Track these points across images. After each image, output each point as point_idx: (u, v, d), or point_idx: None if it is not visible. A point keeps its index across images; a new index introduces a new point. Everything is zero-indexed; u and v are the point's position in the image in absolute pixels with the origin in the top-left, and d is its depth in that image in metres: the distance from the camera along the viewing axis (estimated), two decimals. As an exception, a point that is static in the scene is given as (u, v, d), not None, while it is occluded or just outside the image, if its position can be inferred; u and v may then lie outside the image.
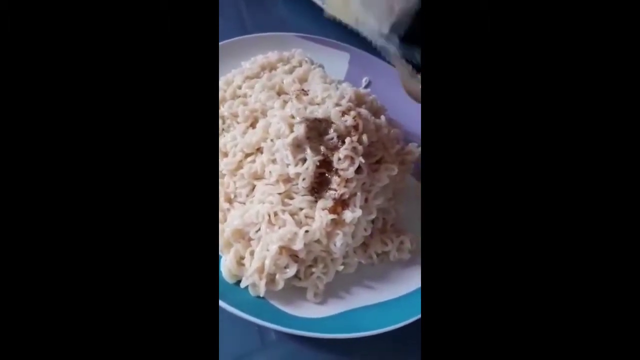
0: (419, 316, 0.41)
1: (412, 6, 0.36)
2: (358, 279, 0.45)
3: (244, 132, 0.47)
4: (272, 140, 0.44)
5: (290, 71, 0.53)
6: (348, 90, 0.47)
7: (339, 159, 0.42)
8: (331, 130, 0.43)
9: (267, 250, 0.40)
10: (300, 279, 0.42)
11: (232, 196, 0.45)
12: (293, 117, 0.43)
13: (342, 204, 0.42)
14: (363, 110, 0.45)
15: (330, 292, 0.43)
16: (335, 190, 0.42)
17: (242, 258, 0.42)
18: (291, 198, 0.43)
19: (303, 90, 0.48)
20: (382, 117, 0.49)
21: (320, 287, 0.42)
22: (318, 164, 0.42)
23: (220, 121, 0.49)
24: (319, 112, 0.43)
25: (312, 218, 0.42)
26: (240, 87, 0.51)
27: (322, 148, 0.43)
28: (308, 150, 0.42)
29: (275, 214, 0.41)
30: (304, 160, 0.42)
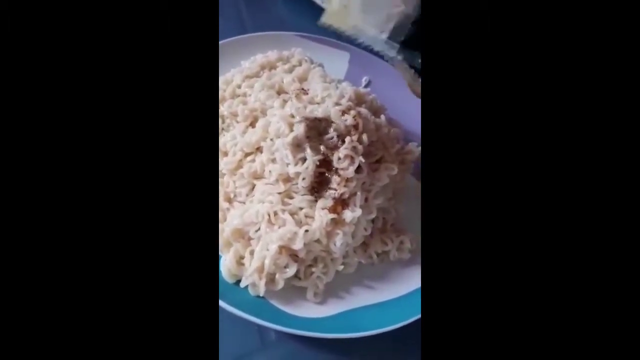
0: (419, 316, 0.41)
1: (412, 11, 0.36)
2: (358, 278, 0.45)
3: (244, 132, 0.47)
4: (271, 139, 0.44)
5: (290, 70, 0.53)
6: (348, 89, 0.47)
7: (339, 158, 0.42)
8: (331, 130, 0.43)
9: (267, 249, 0.40)
10: (300, 278, 0.42)
11: (232, 196, 0.45)
12: (293, 116, 0.43)
13: (342, 203, 0.42)
14: (363, 110, 0.45)
15: (330, 292, 0.43)
16: (335, 189, 0.42)
17: (242, 258, 0.42)
18: (291, 197, 0.43)
19: (303, 89, 0.48)
20: (382, 117, 0.49)
21: (320, 287, 0.42)
22: (318, 163, 0.42)
23: (219, 120, 0.49)
24: (318, 112, 0.43)
25: (312, 217, 0.42)
26: (239, 87, 0.51)
27: (322, 147, 0.43)
28: (308, 150, 0.42)
29: (275, 213, 0.41)
30: (304, 159, 0.42)
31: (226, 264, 0.41)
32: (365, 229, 0.44)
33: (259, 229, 0.42)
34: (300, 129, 0.42)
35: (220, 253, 0.42)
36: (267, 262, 0.40)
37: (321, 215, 0.41)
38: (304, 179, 0.42)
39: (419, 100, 0.46)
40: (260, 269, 0.40)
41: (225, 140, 0.47)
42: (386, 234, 0.46)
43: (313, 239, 0.41)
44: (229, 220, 0.43)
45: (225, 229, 0.42)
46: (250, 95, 0.50)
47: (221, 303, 0.38)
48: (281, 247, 0.40)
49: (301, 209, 0.42)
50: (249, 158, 0.46)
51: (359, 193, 0.42)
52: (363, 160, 0.42)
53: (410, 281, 0.45)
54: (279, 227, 0.41)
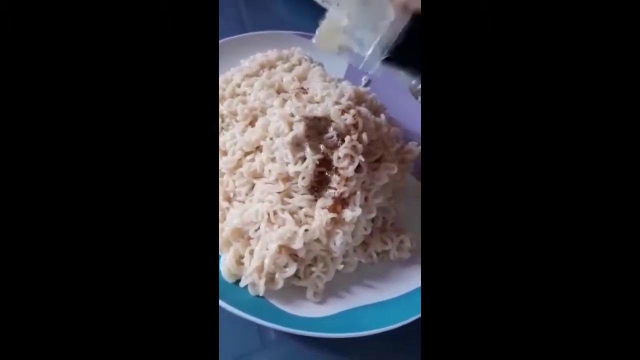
0: (419, 315, 0.41)
1: (397, 28, 0.37)
2: (358, 278, 0.45)
3: (243, 131, 0.47)
4: (271, 138, 0.44)
5: (290, 69, 0.53)
6: (348, 88, 0.47)
7: (339, 157, 0.42)
8: (331, 129, 0.43)
9: (267, 249, 0.40)
10: (299, 278, 0.42)
11: (232, 195, 0.45)
12: (292, 115, 0.43)
13: (341, 202, 0.42)
14: (363, 109, 0.45)
15: (330, 292, 0.43)
16: (335, 189, 0.42)
17: (242, 257, 0.42)
18: (291, 197, 0.43)
19: (302, 88, 0.48)
20: (382, 116, 0.49)
21: (320, 287, 0.42)
22: (317, 162, 0.42)
23: (219, 120, 0.49)
24: (318, 111, 0.43)
25: (312, 217, 0.41)
26: (239, 86, 0.51)
27: (322, 146, 0.43)
28: (307, 149, 0.42)
29: (275, 212, 0.41)
30: (304, 158, 0.42)
31: (226, 264, 0.41)
32: (365, 229, 0.44)
33: (259, 228, 0.42)
34: (299, 128, 0.42)
35: (219, 253, 0.42)
36: (266, 261, 0.40)
37: (321, 215, 0.41)
38: (303, 178, 0.42)
39: (419, 100, 0.47)
40: (260, 269, 0.40)
41: (224, 139, 0.47)
42: (386, 234, 0.46)
43: (313, 238, 0.41)
44: (229, 219, 0.43)
45: (225, 229, 0.42)
46: (249, 94, 0.50)
47: (221, 303, 0.38)
48: (281, 247, 0.40)
49: (301, 208, 0.42)
50: (248, 157, 0.46)
51: (358, 192, 0.42)
52: (363, 160, 0.42)
53: (410, 280, 0.45)
54: (279, 227, 0.41)
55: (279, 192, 0.42)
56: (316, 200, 0.42)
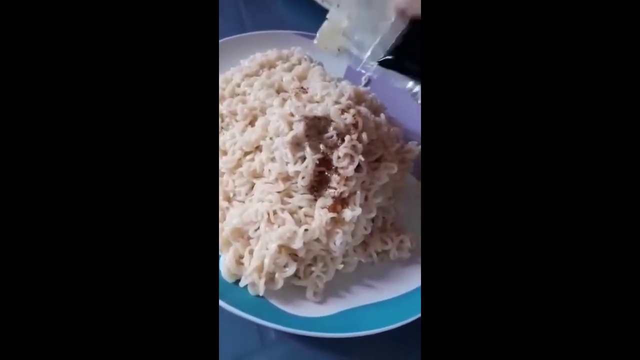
0: (419, 315, 0.41)
1: (396, 30, 0.37)
2: (358, 277, 0.45)
3: (243, 130, 0.47)
4: (271, 138, 0.44)
5: (290, 69, 0.53)
6: (347, 88, 0.47)
7: (339, 157, 0.42)
8: (330, 128, 0.43)
9: (267, 249, 0.40)
10: (299, 277, 0.42)
11: (231, 195, 0.45)
12: (292, 115, 0.43)
13: (341, 202, 0.42)
14: (363, 108, 0.45)
15: (330, 291, 0.43)
16: (335, 188, 0.42)
17: (241, 257, 0.42)
18: (290, 196, 0.43)
19: (302, 88, 0.48)
20: (382, 115, 0.49)
21: (319, 286, 0.42)
22: (317, 162, 0.42)
23: (219, 119, 0.49)
24: (318, 110, 0.43)
25: (312, 217, 0.41)
26: (239, 85, 0.51)
27: (322, 146, 0.42)
28: (307, 149, 0.42)
29: (275, 212, 0.41)
30: (303, 158, 0.42)
31: (225, 264, 0.41)
32: (365, 228, 0.44)
33: (259, 228, 0.41)
34: (299, 128, 0.42)
35: (219, 252, 0.42)
36: (266, 261, 0.40)
37: (321, 214, 0.41)
38: (303, 177, 0.42)
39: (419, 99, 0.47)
40: (260, 268, 0.40)
41: (224, 139, 0.47)
42: (386, 233, 0.46)
43: (313, 238, 0.41)
44: (228, 219, 0.43)
45: (225, 229, 0.42)
46: (249, 94, 0.50)
47: (220, 302, 0.38)
48: (281, 246, 0.40)
49: (301, 208, 0.42)
50: (248, 157, 0.46)
51: (358, 192, 0.42)
52: (363, 159, 0.42)
53: (410, 280, 0.45)
54: (279, 226, 0.41)
55: (278, 192, 0.42)
56: (316, 200, 0.42)
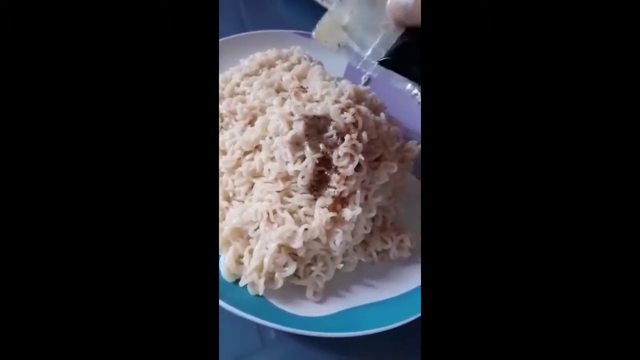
0: (419, 315, 0.41)
1: (395, 34, 0.37)
2: (358, 277, 0.44)
3: (243, 130, 0.47)
4: (270, 137, 0.44)
5: (289, 68, 0.53)
6: (347, 87, 0.47)
7: (339, 156, 0.42)
8: (330, 128, 0.42)
9: (266, 248, 0.40)
10: (299, 277, 0.42)
11: (231, 194, 0.45)
12: (292, 114, 0.43)
13: (341, 201, 0.42)
14: (362, 108, 0.45)
15: (329, 291, 0.43)
16: (335, 188, 0.42)
17: (241, 257, 0.42)
18: (290, 196, 0.42)
19: (302, 87, 0.48)
20: (382, 115, 0.49)
21: (319, 286, 0.42)
22: (317, 161, 0.42)
23: (218, 119, 0.49)
24: (318, 110, 0.43)
25: (312, 216, 0.41)
26: (238, 85, 0.51)
27: (322, 145, 0.42)
28: (307, 148, 0.42)
29: (274, 212, 0.41)
30: (303, 157, 0.42)
31: (225, 263, 0.41)
32: (365, 228, 0.44)
33: (258, 227, 0.41)
34: (299, 127, 0.42)
35: (219, 252, 0.42)
36: (266, 261, 0.40)
37: (320, 214, 0.41)
38: (303, 177, 0.41)
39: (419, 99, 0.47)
40: (260, 268, 0.40)
41: (224, 138, 0.47)
42: (386, 233, 0.46)
43: (312, 237, 0.41)
44: (228, 219, 0.43)
45: (224, 228, 0.42)
46: (249, 93, 0.50)
47: (220, 302, 0.38)
48: (280, 246, 0.40)
49: (300, 207, 0.42)
50: (247, 156, 0.45)
51: (358, 191, 0.42)
52: (363, 159, 0.42)
53: (410, 280, 0.45)
54: (278, 226, 0.40)
55: (278, 191, 0.42)
56: (316, 200, 0.42)
